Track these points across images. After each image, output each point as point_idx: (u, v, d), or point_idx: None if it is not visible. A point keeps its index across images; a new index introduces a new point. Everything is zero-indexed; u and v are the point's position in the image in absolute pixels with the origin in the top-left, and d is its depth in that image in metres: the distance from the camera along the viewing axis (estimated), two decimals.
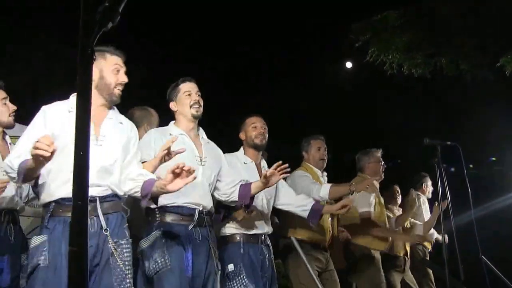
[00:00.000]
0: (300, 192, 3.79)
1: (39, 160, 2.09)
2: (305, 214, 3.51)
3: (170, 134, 2.90)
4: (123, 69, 2.57)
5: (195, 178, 2.40)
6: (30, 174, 2.28)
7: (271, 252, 3.44)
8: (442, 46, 5.93)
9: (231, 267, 3.18)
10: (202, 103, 3.05)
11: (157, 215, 2.81)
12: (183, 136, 2.96)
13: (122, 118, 2.67)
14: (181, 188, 2.40)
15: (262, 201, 3.41)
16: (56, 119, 2.43)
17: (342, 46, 7.15)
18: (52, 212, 2.33)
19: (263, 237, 3.38)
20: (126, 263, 2.41)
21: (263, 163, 3.63)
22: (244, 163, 3.49)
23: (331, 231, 4.17)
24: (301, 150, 4.39)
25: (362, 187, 3.98)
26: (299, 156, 4.44)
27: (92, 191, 2.30)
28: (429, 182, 5.73)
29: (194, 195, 2.85)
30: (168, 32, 7.53)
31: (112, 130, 2.52)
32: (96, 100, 2.48)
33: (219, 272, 2.94)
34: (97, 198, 2.37)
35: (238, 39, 7.88)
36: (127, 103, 2.85)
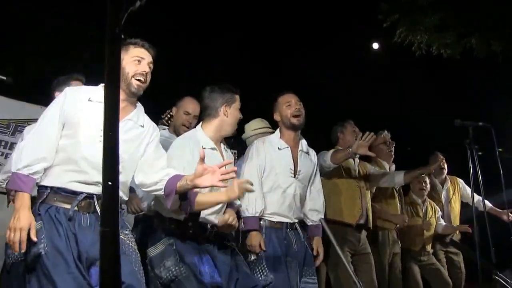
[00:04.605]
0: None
1: None
2: None
3: (203, 148, 2.72)
4: (145, 61, 2.44)
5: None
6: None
7: (301, 236, 3.30)
8: (474, 25, 5.75)
9: (253, 255, 3.11)
10: None
11: (166, 224, 2.73)
12: (214, 152, 2.85)
13: (145, 120, 2.54)
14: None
15: (294, 189, 3.28)
16: (73, 105, 2.36)
17: (369, 27, 7.02)
18: (45, 199, 2.29)
19: (288, 224, 3.26)
20: (136, 249, 2.41)
21: (303, 144, 3.42)
22: (279, 148, 3.31)
23: (361, 210, 4.10)
24: (333, 134, 4.37)
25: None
26: (326, 138, 4.41)
27: (90, 189, 2.29)
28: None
29: (211, 212, 2.76)
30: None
31: (129, 132, 2.41)
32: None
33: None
34: (95, 196, 2.30)
35: (261, 23, 7.80)
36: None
